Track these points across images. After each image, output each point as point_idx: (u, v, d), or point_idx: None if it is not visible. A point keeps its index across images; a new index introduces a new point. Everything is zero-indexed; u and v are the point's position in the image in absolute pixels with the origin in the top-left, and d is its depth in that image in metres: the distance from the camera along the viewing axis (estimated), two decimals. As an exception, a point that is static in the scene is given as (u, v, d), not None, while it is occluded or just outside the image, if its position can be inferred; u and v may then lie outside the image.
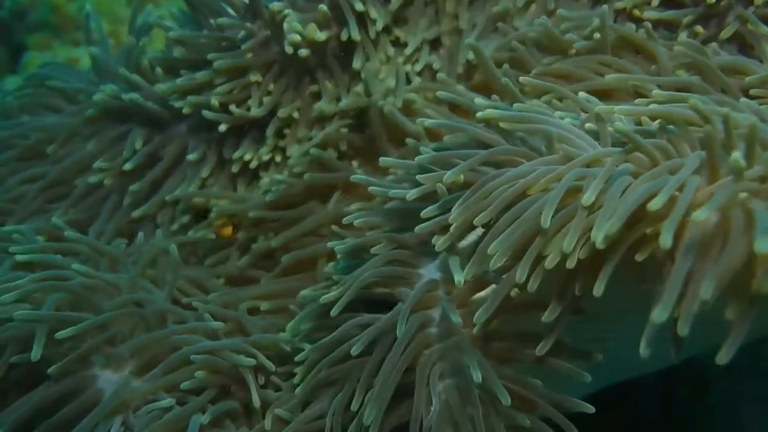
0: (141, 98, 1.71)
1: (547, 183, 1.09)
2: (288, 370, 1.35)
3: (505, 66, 1.55)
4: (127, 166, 1.72)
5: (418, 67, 1.70)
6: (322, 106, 1.68)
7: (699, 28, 1.58)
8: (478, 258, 1.10)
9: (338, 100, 1.68)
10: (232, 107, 1.67)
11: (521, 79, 1.43)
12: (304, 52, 1.62)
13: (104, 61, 1.82)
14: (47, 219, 1.66)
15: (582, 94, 1.34)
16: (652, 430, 1.89)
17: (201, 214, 1.72)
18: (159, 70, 1.76)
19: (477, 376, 1.09)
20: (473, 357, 1.11)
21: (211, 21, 1.73)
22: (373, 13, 1.65)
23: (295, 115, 1.69)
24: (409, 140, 1.52)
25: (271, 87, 1.68)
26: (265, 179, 1.70)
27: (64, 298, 1.27)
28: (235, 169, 1.71)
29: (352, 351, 1.15)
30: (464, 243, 1.19)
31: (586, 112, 1.35)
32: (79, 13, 2.87)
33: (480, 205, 1.10)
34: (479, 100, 1.30)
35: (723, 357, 0.92)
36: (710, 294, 0.89)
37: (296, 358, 1.27)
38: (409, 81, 1.70)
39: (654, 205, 0.92)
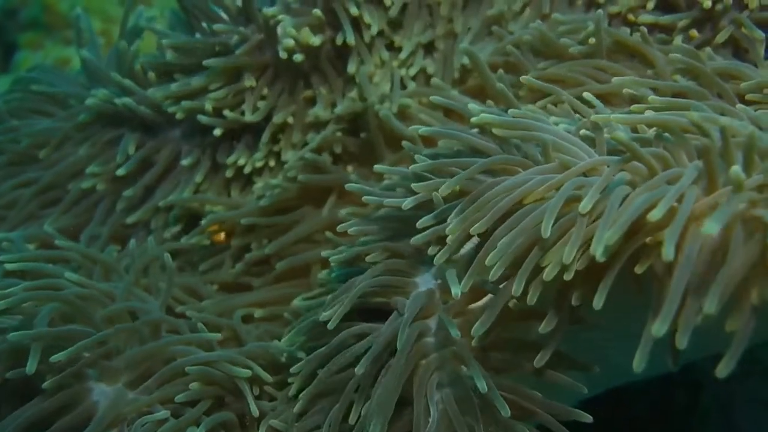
0: (134, 103, 1.70)
1: (543, 192, 1.08)
2: (282, 379, 1.34)
3: (500, 71, 1.54)
4: (120, 172, 1.71)
5: (413, 72, 1.70)
6: (317, 111, 1.67)
7: (694, 32, 1.58)
8: (476, 269, 1.09)
9: (333, 105, 1.68)
10: (226, 111, 1.66)
11: (522, 78, 1.43)
12: (298, 57, 1.62)
13: (95, 65, 1.81)
14: (39, 226, 1.65)
15: (587, 95, 1.33)
16: (647, 433, 1.90)
17: (195, 220, 1.71)
18: (152, 74, 1.75)
19: (482, 386, 1.09)
20: (476, 368, 1.11)
21: (204, 24, 1.71)
22: (368, 18, 1.64)
23: (290, 120, 1.68)
24: (405, 143, 1.51)
25: (265, 92, 1.67)
26: (259, 184, 1.70)
27: (57, 309, 1.26)
28: (229, 174, 1.71)
29: (356, 370, 1.14)
30: (460, 252, 1.18)
31: (583, 116, 1.35)
32: (70, 12, 2.85)
33: (477, 216, 1.10)
34: (473, 105, 1.29)
35: (723, 369, 0.92)
36: (714, 308, 0.88)
37: (292, 370, 1.26)
38: (404, 86, 1.69)
39: (654, 215, 0.92)
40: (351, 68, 1.66)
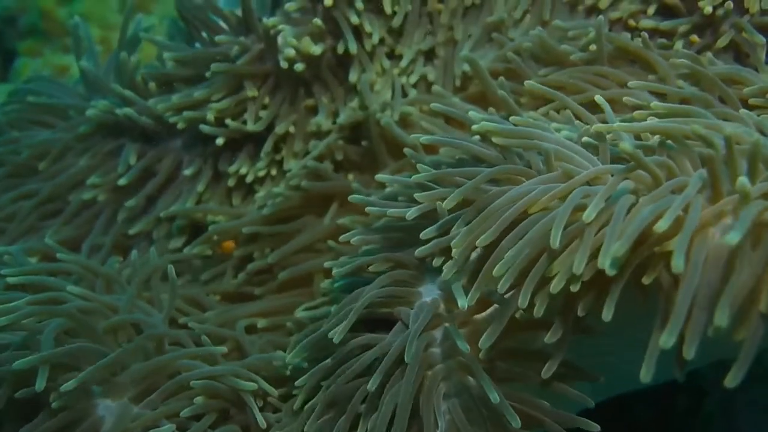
0: (135, 113, 1.69)
1: (548, 201, 1.08)
2: (287, 391, 1.34)
3: (501, 78, 1.54)
4: (122, 182, 1.71)
5: (414, 79, 1.70)
6: (319, 120, 1.67)
7: (695, 37, 1.58)
8: (482, 281, 1.09)
9: (335, 114, 1.68)
10: (228, 120, 1.66)
11: (526, 83, 1.42)
12: (299, 66, 1.62)
13: (94, 75, 1.80)
14: (39, 238, 1.65)
15: (598, 98, 1.32)
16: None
17: (197, 230, 1.70)
18: (152, 85, 1.75)
19: (494, 397, 1.10)
20: (486, 379, 1.11)
21: (204, 35, 1.71)
22: (368, 27, 1.64)
23: (291, 129, 1.68)
24: (407, 150, 1.51)
25: (267, 101, 1.67)
26: (261, 193, 1.69)
27: (62, 325, 1.26)
28: (231, 183, 1.70)
29: (368, 387, 1.14)
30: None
31: (585, 123, 1.35)
32: (69, 19, 2.84)
33: (482, 228, 1.09)
34: (474, 113, 1.29)
35: (733, 379, 0.92)
36: (725, 321, 0.88)
37: (297, 383, 1.26)
38: (405, 93, 1.69)
39: (660, 227, 0.92)
40: (352, 77, 1.66)
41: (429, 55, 1.73)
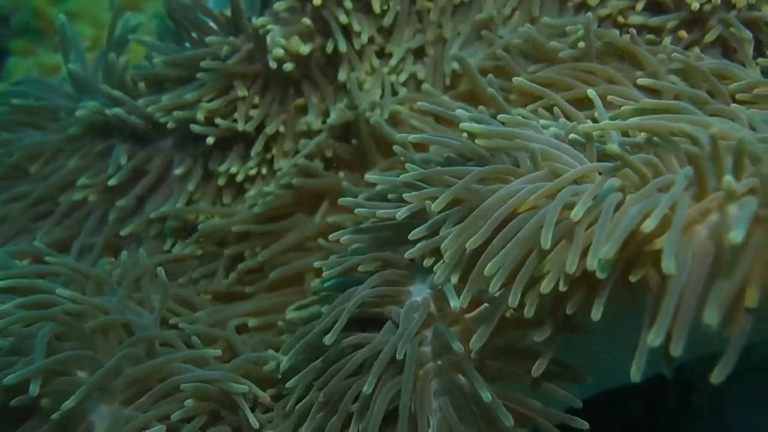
0: (124, 113, 1.69)
1: (536, 201, 1.08)
2: (279, 392, 1.34)
3: (490, 76, 1.54)
4: (112, 182, 1.70)
5: (403, 77, 1.70)
6: (309, 119, 1.67)
7: (683, 33, 1.58)
8: (474, 282, 1.10)
9: (325, 113, 1.68)
10: (218, 120, 1.66)
11: (514, 80, 1.42)
12: (288, 66, 1.61)
13: (83, 76, 1.80)
14: (30, 240, 1.65)
15: (591, 92, 1.32)
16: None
17: (188, 230, 1.70)
18: (142, 85, 1.75)
19: (486, 396, 1.10)
20: (478, 378, 1.11)
21: (194, 35, 1.71)
22: (357, 26, 1.64)
23: (281, 129, 1.68)
24: (396, 148, 1.51)
25: (257, 101, 1.67)
26: (251, 192, 1.69)
27: (53, 331, 1.25)
28: (221, 182, 1.70)
29: (364, 390, 1.14)
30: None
31: (573, 120, 1.35)
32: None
33: (471, 231, 1.10)
34: (461, 111, 1.30)
35: (718, 375, 0.92)
36: (715, 320, 0.89)
37: (288, 384, 1.26)
38: (395, 92, 1.69)
39: (648, 226, 0.92)
40: (342, 76, 1.66)
41: (419, 54, 1.73)
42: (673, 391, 1.92)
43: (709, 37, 1.56)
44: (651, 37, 1.60)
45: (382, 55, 1.72)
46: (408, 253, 1.18)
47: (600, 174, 1.08)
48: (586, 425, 1.13)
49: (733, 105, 1.30)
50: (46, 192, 1.74)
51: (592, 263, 0.95)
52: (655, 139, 1.10)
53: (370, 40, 1.68)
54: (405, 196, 1.19)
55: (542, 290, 1.01)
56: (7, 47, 2.92)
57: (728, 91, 1.39)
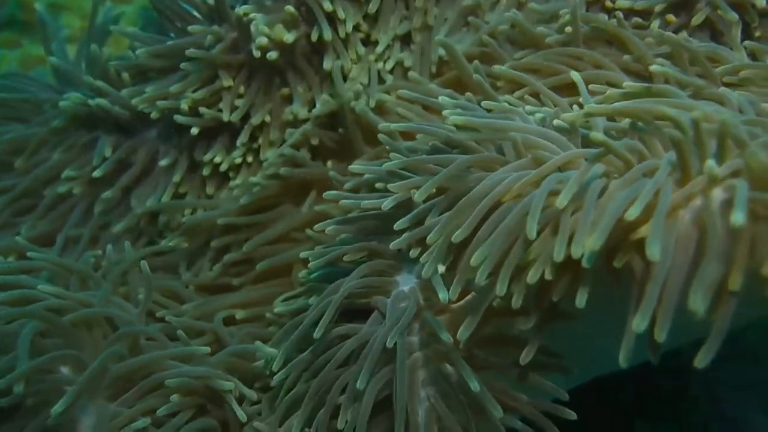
0: (108, 104, 1.68)
1: (520, 189, 1.07)
2: (266, 384, 1.33)
3: (476, 62, 1.53)
4: (97, 174, 1.69)
5: (390, 65, 1.68)
6: (295, 109, 1.65)
7: (671, 17, 1.57)
8: (463, 273, 1.09)
9: (311, 102, 1.66)
10: (203, 109, 1.64)
11: (495, 68, 1.41)
12: (273, 54, 1.60)
13: (65, 68, 1.78)
14: (14, 234, 1.63)
15: (575, 74, 1.30)
16: (633, 422, 1.90)
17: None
18: (126, 75, 1.73)
19: (474, 386, 1.10)
20: (466, 368, 1.11)
21: (177, 24, 1.69)
22: (341, 13, 1.62)
23: (267, 119, 1.66)
24: (381, 137, 1.50)
25: (242, 90, 1.65)
26: (237, 181, 1.68)
27: (35, 329, 1.24)
28: (206, 172, 1.69)
29: (357, 385, 1.14)
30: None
31: (557, 106, 1.34)
32: (43, 10, 2.82)
33: (456, 223, 1.09)
34: (444, 98, 1.28)
35: (703, 360, 0.92)
36: (701, 306, 0.88)
37: (276, 377, 1.26)
38: (381, 80, 1.67)
39: (631, 214, 0.91)
40: (327, 64, 1.64)
41: (405, 41, 1.71)
42: (668, 377, 1.92)
43: (696, 19, 1.54)
44: (638, 20, 1.58)
45: (368, 42, 1.70)
46: (393, 244, 1.17)
47: (585, 160, 1.08)
48: (573, 415, 1.13)
49: (723, 88, 1.29)
50: (30, 185, 1.73)
51: (576, 251, 0.94)
52: (639, 123, 1.10)
53: (356, 27, 1.66)
54: (389, 186, 1.18)
55: (529, 280, 1.00)
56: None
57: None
